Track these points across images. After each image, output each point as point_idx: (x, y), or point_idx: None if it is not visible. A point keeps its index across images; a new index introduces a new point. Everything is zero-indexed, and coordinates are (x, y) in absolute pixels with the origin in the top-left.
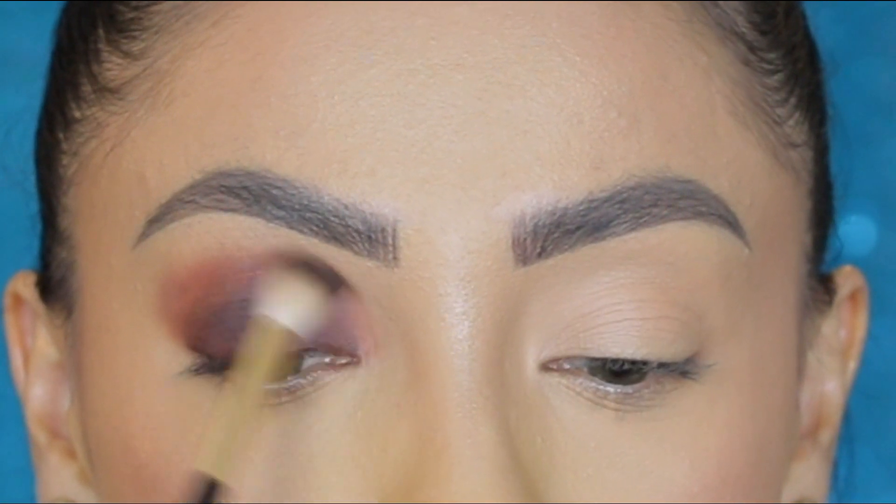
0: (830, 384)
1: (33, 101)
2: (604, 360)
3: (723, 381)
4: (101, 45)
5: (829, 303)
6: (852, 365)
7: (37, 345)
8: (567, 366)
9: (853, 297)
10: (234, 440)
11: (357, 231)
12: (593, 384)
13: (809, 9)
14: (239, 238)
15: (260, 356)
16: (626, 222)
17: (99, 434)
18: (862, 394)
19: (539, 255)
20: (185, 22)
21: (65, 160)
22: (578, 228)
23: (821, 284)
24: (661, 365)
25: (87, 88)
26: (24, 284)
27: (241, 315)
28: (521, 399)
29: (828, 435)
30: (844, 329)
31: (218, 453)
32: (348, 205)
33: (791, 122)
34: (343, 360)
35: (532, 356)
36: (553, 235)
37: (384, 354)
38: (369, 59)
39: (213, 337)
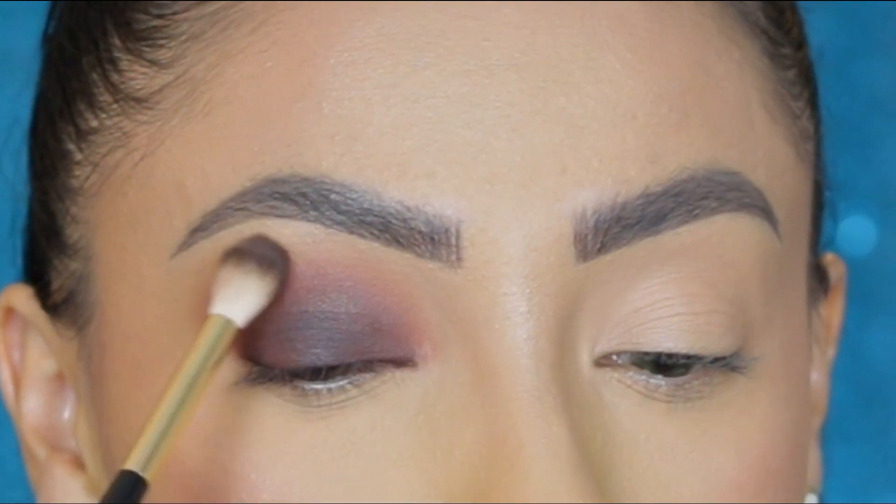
0: (820, 371)
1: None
2: (658, 355)
3: (761, 373)
4: (119, 54)
5: (825, 292)
6: (831, 352)
7: (29, 357)
8: (618, 360)
9: (834, 285)
10: (165, 440)
11: (420, 233)
12: (643, 377)
13: (809, 9)
14: (296, 245)
15: (208, 355)
16: (680, 215)
17: (130, 444)
18: (862, 394)
19: (599, 250)
20: (221, 29)
21: (77, 171)
22: (637, 223)
23: (817, 274)
24: (715, 360)
25: (106, 98)
26: (21, 298)
27: (300, 326)
28: (580, 396)
29: (819, 421)
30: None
31: (149, 452)
32: (410, 207)
33: (805, 116)
34: (398, 363)
35: (586, 352)
36: (613, 230)
37: (442, 358)
38: (423, 61)
39: (271, 347)
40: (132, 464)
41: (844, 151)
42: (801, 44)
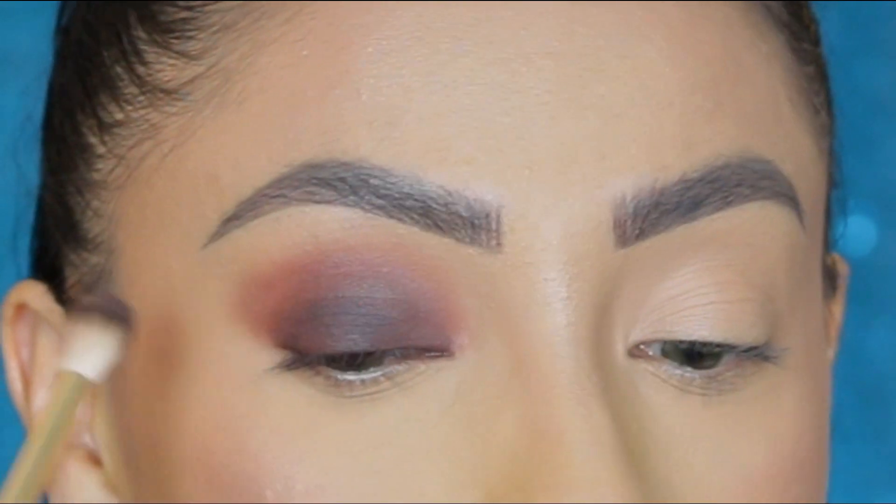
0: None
1: (37, 102)
2: (691, 343)
3: (789, 364)
4: (145, 46)
5: (833, 290)
6: (831, 352)
7: (40, 354)
8: (650, 352)
9: (838, 284)
10: (31, 486)
11: (461, 217)
12: (678, 371)
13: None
14: (335, 230)
15: (60, 410)
16: (715, 202)
17: (155, 437)
18: (861, 394)
19: (637, 236)
20: (253, 20)
21: (100, 164)
22: (675, 209)
23: (827, 271)
24: (748, 349)
25: (131, 90)
26: (34, 294)
27: (336, 311)
28: (616, 385)
29: None
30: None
31: (17, 496)
32: (451, 191)
33: (824, 112)
34: (434, 353)
35: (620, 341)
36: (652, 216)
37: (479, 345)
38: (460, 49)
39: (307, 333)
40: None
41: (845, 151)
42: (817, 40)
